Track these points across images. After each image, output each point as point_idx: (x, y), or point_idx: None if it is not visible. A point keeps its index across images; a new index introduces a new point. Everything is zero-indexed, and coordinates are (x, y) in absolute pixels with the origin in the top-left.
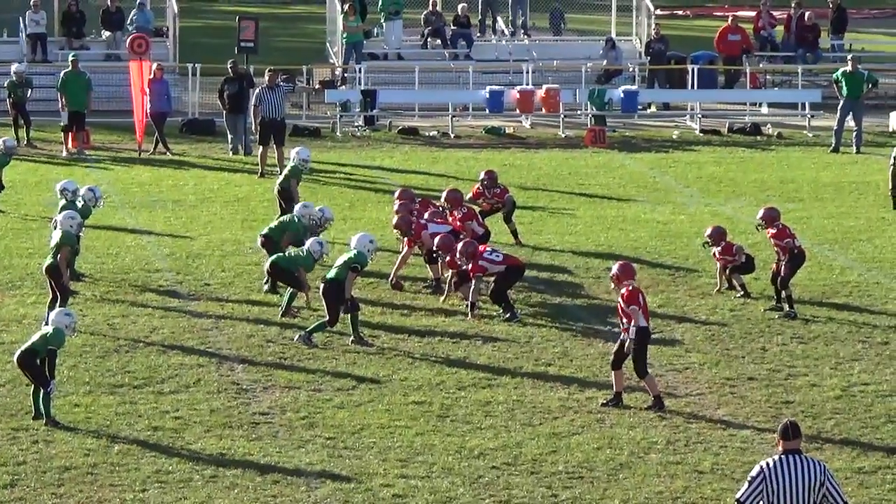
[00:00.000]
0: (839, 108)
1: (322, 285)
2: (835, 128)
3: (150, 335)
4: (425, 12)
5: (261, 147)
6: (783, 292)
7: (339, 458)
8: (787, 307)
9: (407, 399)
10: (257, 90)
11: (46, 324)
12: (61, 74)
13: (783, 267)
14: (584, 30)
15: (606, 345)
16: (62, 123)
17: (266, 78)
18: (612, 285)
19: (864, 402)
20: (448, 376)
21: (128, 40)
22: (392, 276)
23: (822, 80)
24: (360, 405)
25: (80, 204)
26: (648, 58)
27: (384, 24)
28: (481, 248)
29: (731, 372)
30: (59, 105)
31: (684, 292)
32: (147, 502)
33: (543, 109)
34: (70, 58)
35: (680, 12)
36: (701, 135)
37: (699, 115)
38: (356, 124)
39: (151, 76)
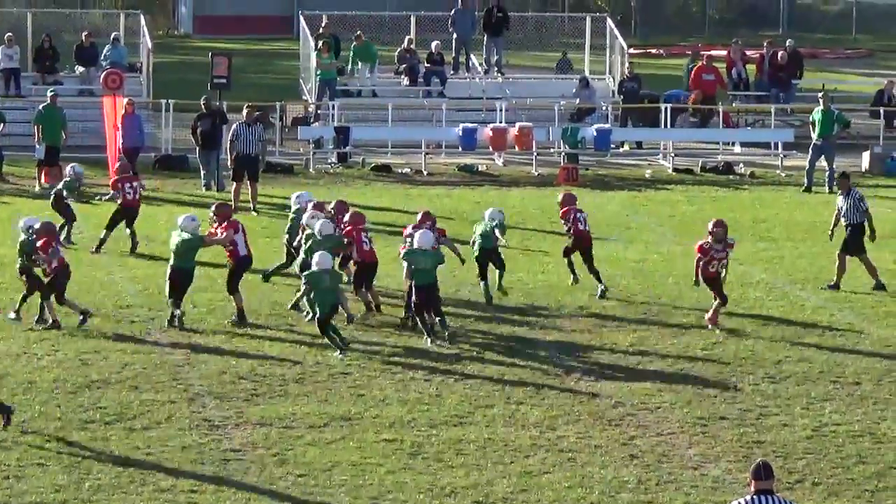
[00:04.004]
0: (811, 147)
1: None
2: (807, 167)
3: (122, 371)
4: (399, 49)
5: (234, 183)
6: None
7: (310, 495)
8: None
9: (378, 437)
10: (234, 126)
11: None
12: (39, 108)
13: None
14: (553, 68)
15: (579, 382)
16: (37, 157)
17: (244, 113)
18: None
19: (835, 442)
20: (420, 414)
21: (101, 76)
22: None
23: (794, 119)
24: (332, 442)
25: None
26: (622, 96)
27: (358, 63)
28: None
29: (702, 411)
30: (35, 139)
31: (657, 331)
32: None
33: (516, 147)
34: (49, 92)
35: (653, 51)
36: (674, 174)
37: (672, 154)
38: (329, 161)
39: (123, 111)
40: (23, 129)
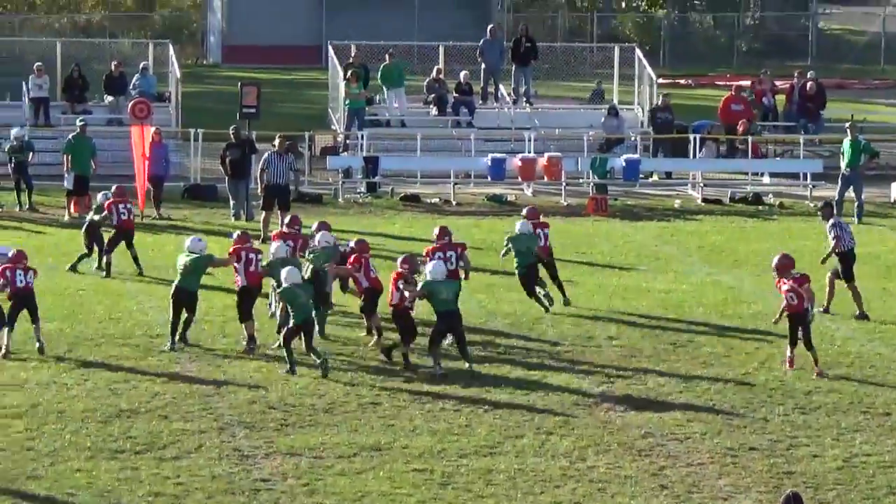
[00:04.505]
0: (840, 178)
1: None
2: (835, 198)
3: (152, 400)
4: (428, 79)
5: (263, 212)
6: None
7: None
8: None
9: (408, 466)
10: (265, 155)
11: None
12: (68, 137)
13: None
14: (585, 98)
15: (608, 413)
16: (66, 187)
17: (275, 143)
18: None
19: (865, 473)
20: (449, 444)
21: (129, 105)
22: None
23: (823, 150)
24: (362, 472)
25: None
26: (652, 127)
27: (386, 92)
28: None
29: (732, 442)
30: (64, 168)
31: (686, 361)
32: None
33: (545, 177)
34: (78, 122)
35: (682, 81)
36: (703, 204)
37: (701, 185)
38: (358, 191)
39: (150, 140)
40: (52, 158)
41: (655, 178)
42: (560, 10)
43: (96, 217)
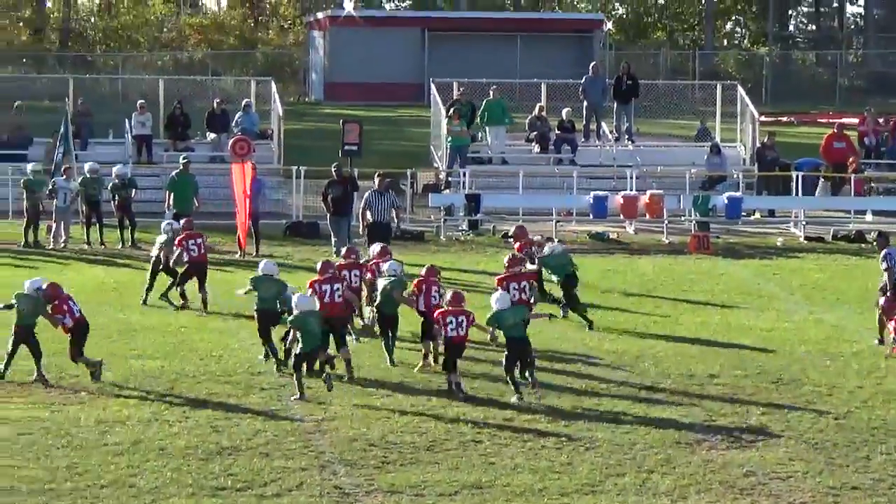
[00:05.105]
0: None
1: None
2: None
3: (253, 438)
4: (530, 116)
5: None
6: None
7: None
8: None
9: None
10: (366, 194)
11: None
12: (171, 174)
13: None
14: (687, 136)
15: (709, 451)
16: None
17: (375, 182)
18: None
19: None
20: (551, 482)
21: (230, 142)
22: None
23: None
24: None
25: None
26: (757, 164)
27: (488, 129)
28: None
29: (834, 481)
30: (165, 205)
31: (788, 400)
32: None
33: (647, 215)
34: (181, 159)
35: (784, 119)
36: (805, 242)
37: (803, 223)
38: (460, 228)
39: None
40: (153, 195)
41: (757, 215)
42: (662, 48)
43: (161, 253)
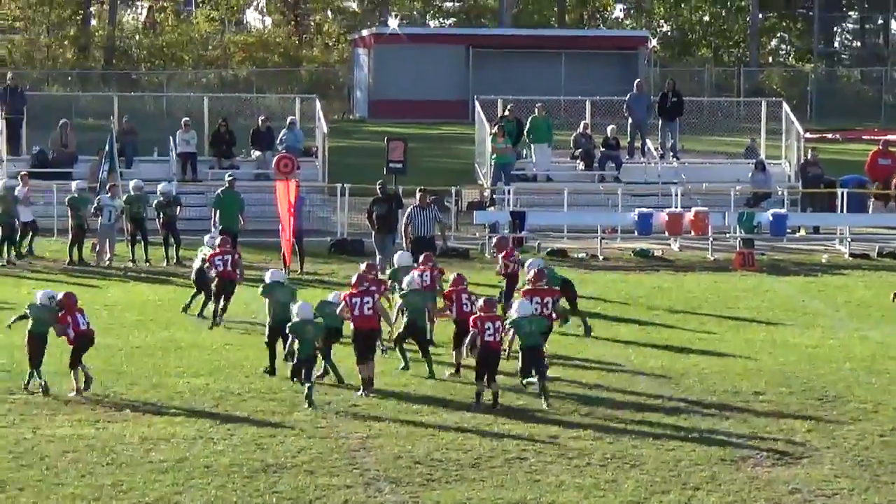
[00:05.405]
0: None
1: None
2: None
3: (298, 455)
4: (575, 133)
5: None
6: None
7: None
8: None
9: None
10: (408, 210)
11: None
12: (217, 192)
13: None
14: (733, 153)
15: (754, 468)
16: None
17: (417, 198)
18: None
19: None
20: (596, 500)
21: (274, 160)
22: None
23: None
24: None
25: None
26: (801, 181)
27: (533, 147)
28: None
29: (880, 498)
30: (211, 222)
31: (833, 417)
32: None
33: (692, 232)
34: (227, 177)
35: (829, 136)
36: (850, 259)
37: (848, 240)
38: None
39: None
40: (197, 213)
41: (803, 232)
42: (707, 65)
43: (198, 265)
